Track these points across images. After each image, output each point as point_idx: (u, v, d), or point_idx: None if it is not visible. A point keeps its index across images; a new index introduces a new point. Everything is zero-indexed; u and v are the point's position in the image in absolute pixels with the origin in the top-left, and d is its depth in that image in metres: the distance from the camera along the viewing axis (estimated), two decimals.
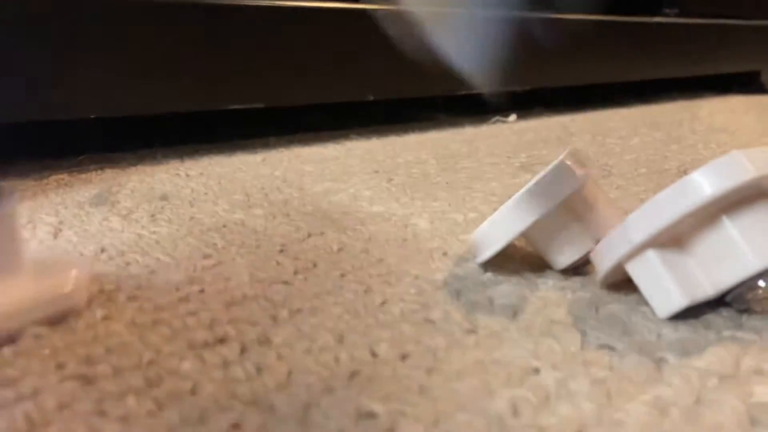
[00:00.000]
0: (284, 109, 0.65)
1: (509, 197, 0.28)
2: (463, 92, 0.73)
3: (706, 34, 0.96)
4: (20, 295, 0.23)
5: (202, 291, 0.27)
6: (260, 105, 0.59)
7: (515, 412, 0.19)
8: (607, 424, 0.18)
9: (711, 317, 0.24)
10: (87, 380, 0.20)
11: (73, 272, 0.25)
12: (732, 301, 0.24)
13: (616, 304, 0.25)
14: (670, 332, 0.23)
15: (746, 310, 0.24)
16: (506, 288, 0.27)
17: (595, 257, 0.26)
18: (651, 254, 0.23)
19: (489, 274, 0.29)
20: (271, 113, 0.66)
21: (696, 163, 0.52)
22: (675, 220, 0.22)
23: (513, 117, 0.78)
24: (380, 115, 0.75)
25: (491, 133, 0.68)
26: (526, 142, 0.63)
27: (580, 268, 0.29)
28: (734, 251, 0.22)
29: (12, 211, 0.24)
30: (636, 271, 0.24)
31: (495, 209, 0.39)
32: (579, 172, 0.26)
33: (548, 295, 0.27)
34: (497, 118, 0.77)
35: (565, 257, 0.28)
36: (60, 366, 0.21)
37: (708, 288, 0.23)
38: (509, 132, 0.69)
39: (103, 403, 0.19)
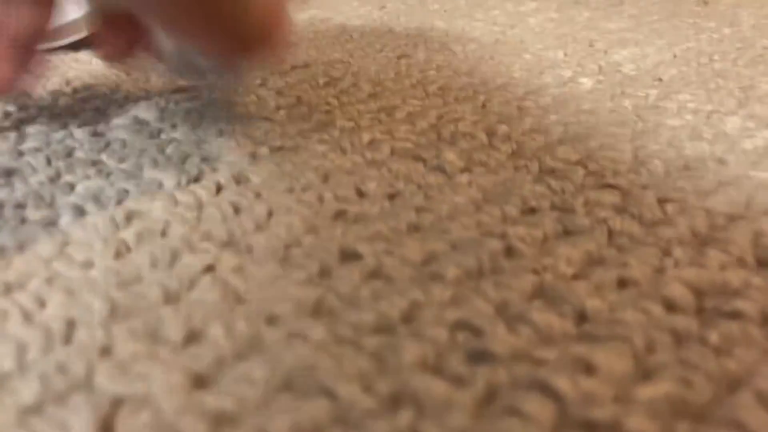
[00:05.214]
0: None
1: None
2: None
3: None
4: None
5: (174, 126, 0.25)
6: None
7: (510, 252, 0.17)
8: (609, 265, 0.17)
9: (724, 155, 0.23)
10: (50, 222, 0.19)
11: None
12: None
13: (624, 142, 0.24)
14: (679, 171, 0.22)
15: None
16: (506, 127, 0.25)
17: None
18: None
19: (486, 111, 0.26)
20: None
21: None
22: None
23: None
24: None
25: None
26: None
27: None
28: None
29: None
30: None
31: (497, 40, 0.36)
32: None
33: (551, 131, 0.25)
34: None
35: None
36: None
37: None
38: None
39: (66, 247, 0.17)
